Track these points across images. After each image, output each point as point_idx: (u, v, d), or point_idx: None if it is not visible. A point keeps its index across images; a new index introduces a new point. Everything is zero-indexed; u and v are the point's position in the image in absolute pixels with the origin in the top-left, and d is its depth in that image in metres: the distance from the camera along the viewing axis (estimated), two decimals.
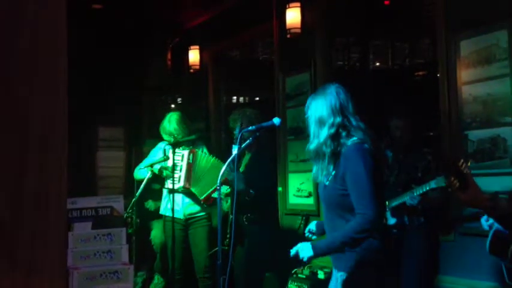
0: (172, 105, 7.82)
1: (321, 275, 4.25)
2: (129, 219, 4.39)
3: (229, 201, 4.24)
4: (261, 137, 4.18)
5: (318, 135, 2.50)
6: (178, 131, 4.57)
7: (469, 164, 3.29)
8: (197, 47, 6.72)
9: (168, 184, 4.50)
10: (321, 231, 2.78)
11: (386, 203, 3.67)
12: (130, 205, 4.41)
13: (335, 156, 2.45)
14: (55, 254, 1.43)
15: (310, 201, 5.01)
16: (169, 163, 4.43)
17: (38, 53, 1.43)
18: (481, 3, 3.69)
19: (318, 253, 2.48)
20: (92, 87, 6.45)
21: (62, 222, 1.47)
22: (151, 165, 4.50)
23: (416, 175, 3.72)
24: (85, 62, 5.71)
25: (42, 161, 1.42)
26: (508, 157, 3.48)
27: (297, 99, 5.23)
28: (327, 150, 2.45)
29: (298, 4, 5.08)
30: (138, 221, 4.61)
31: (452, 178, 3.25)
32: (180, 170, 4.44)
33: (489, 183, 3.52)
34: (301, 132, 5.16)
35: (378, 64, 8.21)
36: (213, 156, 4.53)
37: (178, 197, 4.55)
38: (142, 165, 4.64)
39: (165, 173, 4.47)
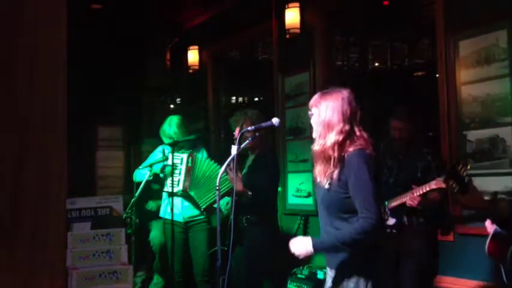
0: (172, 105, 7.82)
1: (320, 275, 4.26)
2: (129, 219, 4.39)
3: (229, 204, 4.23)
4: (265, 139, 4.19)
5: (325, 138, 2.50)
6: (179, 134, 4.58)
7: (468, 167, 3.30)
8: (196, 47, 6.72)
9: (168, 187, 4.50)
10: None
11: (386, 203, 3.67)
12: (130, 205, 4.40)
13: (339, 161, 2.48)
14: (54, 254, 1.43)
15: (310, 201, 5.01)
16: (169, 163, 4.43)
17: (38, 52, 1.43)
18: (481, 3, 3.69)
19: (317, 248, 2.50)
20: (91, 87, 6.45)
21: (61, 223, 1.47)
22: (151, 166, 4.50)
23: (416, 175, 3.72)
24: (85, 61, 5.71)
25: (42, 160, 1.42)
26: (507, 157, 3.48)
27: (296, 99, 5.24)
28: (334, 154, 2.47)
29: (298, 4, 5.09)
30: (137, 221, 4.61)
31: (452, 181, 3.26)
32: (179, 174, 4.43)
33: (488, 184, 3.53)
34: (300, 133, 5.17)
35: (377, 64, 8.21)
36: (214, 163, 4.50)
37: (178, 200, 4.54)
38: (141, 167, 4.64)
39: (166, 170, 4.45)
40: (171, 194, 4.36)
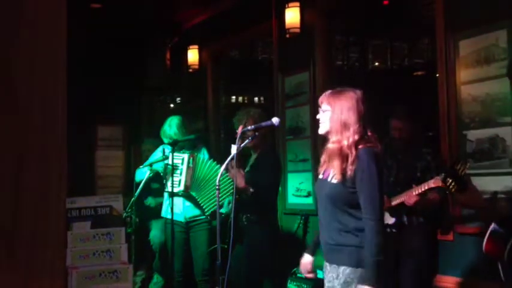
0: (171, 105, 7.82)
1: (320, 274, 4.25)
2: (129, 218, 4.40)
3: (231, 204, 4.23)
4: (267, 138, 4.19)
5: (342, 137, 2.58)
6: (179, 135, 4.58)
7: (467, 166, 3.30)
8: (196, 46, 6.72)
9: (168, 187, 4.50)
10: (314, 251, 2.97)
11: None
12: (130, 204, 4.41)
13: (352, 158, 2.55)
14: (54, 254, 1.43)
15: (309, 200, 5.01)
16: (169, 162, 4.43)
17: (38, 52, 1.43)
18: (481, 3, 3.69)
19: (371, 279, 2.44)
20: (91, 87, 6.45)
21: (61, 222, 1.47)
22: (151, 165, 4.50)
23: (416, 175, 3.72)
24: (84, 61, 5.71)
25: (41, 160, 1.42)
26: (506, 157, 3.48)
27: (296, 99, 5.24)
28: (352, 152, 2.56)
29: (298, 4, 5.09)
30: (138, 220, 4.61)
31: (451, 181, 3.27)
32: (180, 174, 4.43)
33: (488, 183, 3.53)
34: (300, 132, 5.17)
35: (377, 64, 8.22)
36: (216, 164, 4.50)
37: (179, 200, 4.54)
38: (142, 166, 4.65)
39: (167, 170, 4.45)
40: (172, 194, 4.37)
